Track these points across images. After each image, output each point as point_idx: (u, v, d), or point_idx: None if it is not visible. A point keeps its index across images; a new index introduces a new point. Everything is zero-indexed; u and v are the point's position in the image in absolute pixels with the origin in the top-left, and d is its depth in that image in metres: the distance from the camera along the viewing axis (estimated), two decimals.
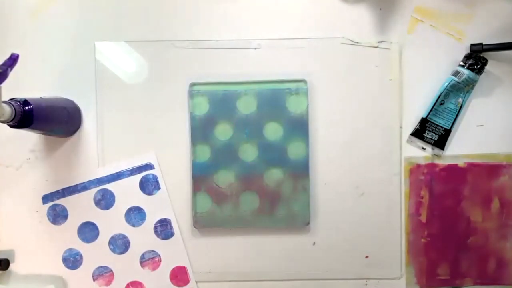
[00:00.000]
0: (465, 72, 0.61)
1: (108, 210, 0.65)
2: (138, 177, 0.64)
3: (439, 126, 0.64)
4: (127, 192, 0.64)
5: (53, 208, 0.65)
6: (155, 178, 0.64)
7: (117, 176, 0.64)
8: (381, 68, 0.64)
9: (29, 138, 0.64)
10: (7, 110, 0.48)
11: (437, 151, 0.65)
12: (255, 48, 0.65)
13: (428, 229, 0.65)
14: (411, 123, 0.65)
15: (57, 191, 0.64)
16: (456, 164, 0.65)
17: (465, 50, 0.64)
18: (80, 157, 0.65)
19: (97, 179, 0.64)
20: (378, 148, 0.65)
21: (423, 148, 0.65)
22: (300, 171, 0.63)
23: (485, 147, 0.65)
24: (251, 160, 0.64)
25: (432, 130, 0.64)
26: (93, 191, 0.64)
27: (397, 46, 0.64)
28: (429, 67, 0.65)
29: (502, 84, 0.65)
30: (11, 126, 0.51)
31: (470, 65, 0.62)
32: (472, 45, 0.63)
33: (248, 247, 0.65)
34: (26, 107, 0.51)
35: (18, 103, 0.51)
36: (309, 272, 0.65)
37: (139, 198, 0.64)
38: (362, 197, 0.65)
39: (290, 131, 0.64)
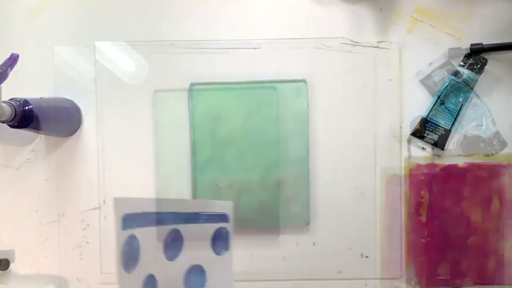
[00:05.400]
0: (465, 72, 0.61)
1: None
2: None
3: (439, 126, 0.64)
4: None
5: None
6: None
7: None
8: (381, 68, 0.64)
9: (29, 138, 0.64)
10: (7, 110, 0.48)
11: (437, 151, 0.65)
12: (255, 48, 0.65)
13: (428, 229, 0.65)
14: (411, 123, 0.65)
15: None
16: (456, 164, 0.65)
17: (465, 50, 0.64)
18: (80, 157, 0.65)
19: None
20: (378, 148, 0.65)
21: (423, 148, 0.65)
22: (300, 171, 0.63)
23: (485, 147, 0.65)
24: (250, 160, 0.64)
25: (432, 130, 0.64)
26: None
27: (397, 46, 0.64)
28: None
29: (502, 84, 0.65)
30: (11, 126, 0.51)
31: (470, 65, 0.62)
32: (472, 45, 0.63)
33: (247, 247, 0.65)
34: (26, 107, 0.51)
35: (18, 103, 0.51)
36: (309, 272, 0.65)
37: None
38: (362, 197, 0.65)
39: (290, 131, 0.64)
